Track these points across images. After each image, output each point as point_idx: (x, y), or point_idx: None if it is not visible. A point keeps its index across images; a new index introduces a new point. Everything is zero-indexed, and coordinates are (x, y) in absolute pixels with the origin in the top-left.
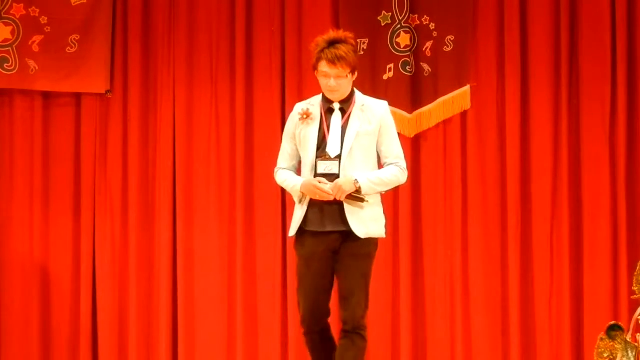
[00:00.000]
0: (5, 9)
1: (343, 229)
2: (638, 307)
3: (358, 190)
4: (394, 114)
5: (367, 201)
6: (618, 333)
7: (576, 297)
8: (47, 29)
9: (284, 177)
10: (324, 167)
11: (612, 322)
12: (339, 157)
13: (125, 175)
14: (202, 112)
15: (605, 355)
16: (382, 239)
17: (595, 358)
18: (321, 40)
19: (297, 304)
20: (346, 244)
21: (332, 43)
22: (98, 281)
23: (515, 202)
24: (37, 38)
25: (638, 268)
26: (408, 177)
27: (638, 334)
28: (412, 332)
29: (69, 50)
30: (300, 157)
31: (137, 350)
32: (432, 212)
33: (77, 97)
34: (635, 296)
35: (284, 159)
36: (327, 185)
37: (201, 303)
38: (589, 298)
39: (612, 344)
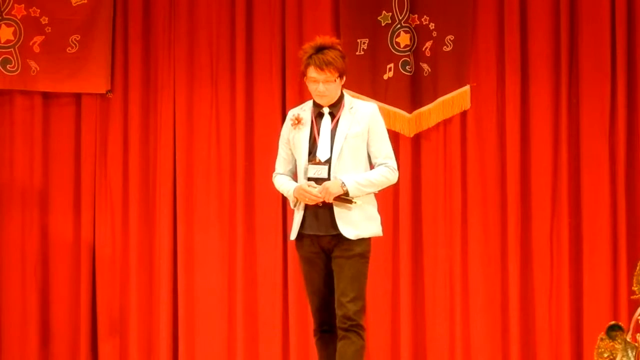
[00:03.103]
0: (7, 9)
1: (334, 232)
2: (638, 307)
3: (346, 193)
4: (393, 114)
5: (355, 202)
6: (618, 333)
7: (576, 297)
8: (48, 29)
9: (280, 182)
10: (314, 171)
11: (612, 322)
12: (328, 160)
13: (126, 175)
14: (202, 112)
15: (605, 355)
16: (379, 237)
17: (595, 358)
18: (308, 47)
19: (295, 292)
20: (339, 246)
21: (320, 49)
22: (98, 281)
23: (515, 201)
24: (38, 38)
25: (638, 268)
26: (408, 177)
27: (638, 334)
28: (412, 331)
29: (69, 50)
30: (296, 162)
31: (137, 350)
32: (432, 211)
33: (78, 97)
34: (635, 296)
35: (281, 164)
36: (315, 189)
37: (201, 303)
38: (589, 298)
39: (612, 344)
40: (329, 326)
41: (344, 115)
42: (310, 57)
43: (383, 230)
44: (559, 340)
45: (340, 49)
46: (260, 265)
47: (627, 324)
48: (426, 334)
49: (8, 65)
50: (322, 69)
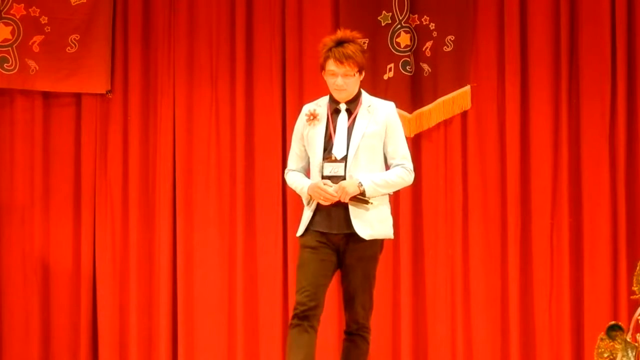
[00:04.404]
0: (6, 9)
1: (347, 231)
2: (638, 307)
3: (362, 193)
4: None
5: (372, 203)
6: (618, 333)
7: (576, 297)
8: (47, 28)
9: (293, 179)
10: (330, 169)
11: (612, 322)
12: (344, 158)
13: (126, 175)
14: (202, 112)
15: (605, 355)
16: (388, 240)
17: (595, 358)
18: (329, 40)
19: (294, 292)
20: (351, 246)
21: (340, 42)
22: (98, 281)
23: (516, 201)
24: (38, 38)
25: (638, 268)
26: None
27: (638, 334)
28: (413, 332)
29: (69, 50)
30: (309, 158)
31: (137, 350)
32: (432, 211)
33: (77, 97)
34: (635, 296)
35: (294, 160)
36: (331, 188)
37: (201, 303)
38: (589, 298)
39: (612, 344)
40: (311, 314)
41: (362, 112)
42: (330, 50)
43: None
44: (559, 340)
45: (361, 43)
46: (260, 265)
47: (627, 324)
48: (427, 334)
49: (5, 64)
50: (341, 62)
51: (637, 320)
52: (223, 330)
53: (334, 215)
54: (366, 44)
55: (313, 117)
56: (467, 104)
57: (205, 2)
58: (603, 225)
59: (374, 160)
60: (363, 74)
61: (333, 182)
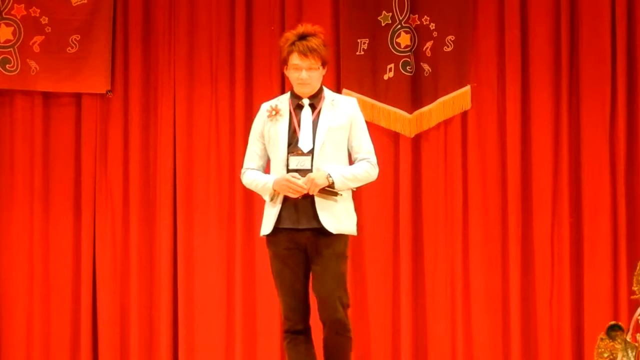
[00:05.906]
0: (6, 9)
1: (316, 225)
2: (638, 307)
3: (331, 185)
4: (394, 114)
5: (341, 194)
6: (618, 333)
7: (576, 297)
8: (48, 29)
9: (252, 177)
10: (297, 162)
11: (612, 322)
12: (311, 151)
13: (126, 175)
14: (202, 112)
15: (605, 355)
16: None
17: (595, 358)
18: (291, 34)
19: (279, 304)
20: (318, 244)
21: (303, 36)
22: (98, 281)
23: (516, 202)
24: (38, 38)
25: (638, 268)
26: (408, 178)
27: (638, 334)
28: (413, 332)
29: (69, 50)
30: (268, 157)
31: (138, 350)
32: (432, 212)
33: (78, 97)
34: (635, 296)
35: (252, 159)
36: (300, 180)
37: (201, 303)
38: (589, 298)
39: (612, 344)
40: (302, 327)
41: (326, 107)
42: (293, 44)
43: (384, 231)
44: (560, 340)
45: (323, 37)
46: (259, 265)
47: (627, 324)
48: (427, 334)
49: (7, 65)
50: (305, 56)
51: (637, 320)
52: (222, 330)
53: (301, 208)
54: (366, 44)
55: (275, 112)
56: (467, 104)
57: (205, 2)
58: (603, 225)
59: (339, 153)
60: (326, 68)
61: (300, 175)
